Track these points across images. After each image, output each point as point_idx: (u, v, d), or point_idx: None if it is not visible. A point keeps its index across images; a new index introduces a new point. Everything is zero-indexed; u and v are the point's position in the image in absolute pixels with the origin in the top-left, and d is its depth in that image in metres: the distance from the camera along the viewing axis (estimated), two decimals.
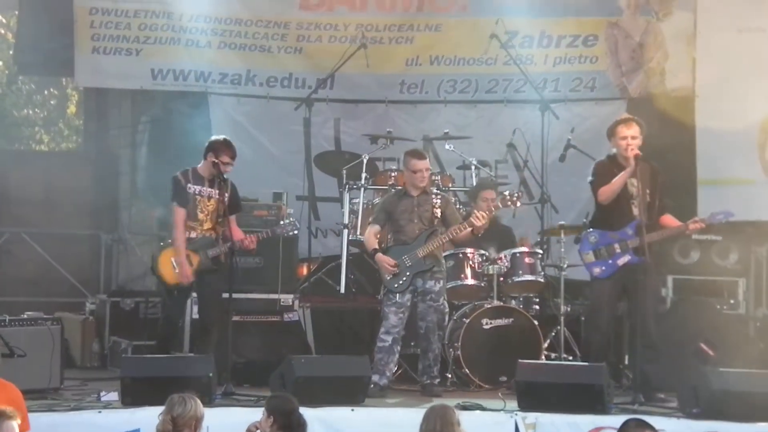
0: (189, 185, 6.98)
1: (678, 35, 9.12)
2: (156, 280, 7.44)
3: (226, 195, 6.99)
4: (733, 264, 8.13)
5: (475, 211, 7.07)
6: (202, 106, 9.24)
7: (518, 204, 7.13)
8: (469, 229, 7.00)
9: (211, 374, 6.21)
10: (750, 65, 8.69)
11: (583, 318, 7.58)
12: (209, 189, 6.99)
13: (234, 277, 6.80)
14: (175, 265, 6.89)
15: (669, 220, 6.88)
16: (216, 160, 6.92)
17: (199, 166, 7.04)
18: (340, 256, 8.20)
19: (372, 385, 6.69)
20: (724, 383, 6.17)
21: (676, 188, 7.64)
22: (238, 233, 6.97)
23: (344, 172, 8.36)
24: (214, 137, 7.12)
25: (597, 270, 6.85)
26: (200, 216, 6.98)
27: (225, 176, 6.95)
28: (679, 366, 7.03)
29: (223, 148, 6.97)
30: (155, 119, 9.57)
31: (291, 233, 7.32)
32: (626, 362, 7.32)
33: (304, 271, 8.57)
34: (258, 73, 9.46)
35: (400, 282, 6.98)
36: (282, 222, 7.34)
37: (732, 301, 7.98)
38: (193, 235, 6.97)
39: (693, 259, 8.15)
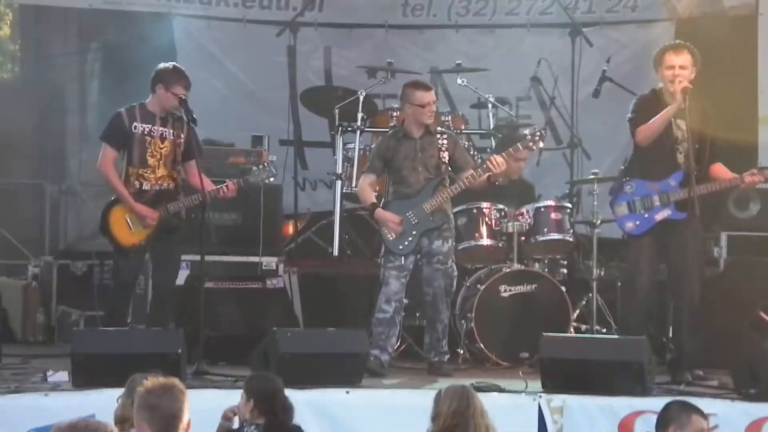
0: (135, 124, 6.90)
1: None
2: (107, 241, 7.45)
3: (183, 135, 6.94)
4: None
5: (493, 156, 7.09)
6: (164, 30, 9.22)
7: (541, 144, 7.12)
8: (485, 176, 7.02)
9: (180, 350, 6.23)
10: None
11: (619, 283, 7.66)
12: (161, 128, 6.91)
13: (206, 237, 6.85)
14: (130, 223, 6.89)
15: (720, 170, 6.90)
16: (168, 93, 6.84)
17: (147, 101, 6.97)
18: (332, 212, 8.24)
19: (372, 361, 6.76)
20: None
21: (734, 128, 7.64)
22: (206, 182, 6.90)
23: (336, 111, 8.37)
24: (161, 65, 7.00)
25: (629, 225, 6.90)
26: (151, 161, 6.89)
27: (192, 116, 6.94)
28: (733, 339, 7.13)
29: (174, 77, 6.88)
30: (108, 46, 9.56)
31: (267, 181, 7.19)
32: (670, 335, 7.42)
33: (290, 229, 8.65)
34: None
35: (406, 243, 7.01)
36: (255, 168, 7.25)
37: None
38: (146, 186, 6.91)
39: (752, 212, 8.20)
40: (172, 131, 6.94)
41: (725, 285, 7.59)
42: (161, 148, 6.94)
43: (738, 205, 8.20)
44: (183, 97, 6.88)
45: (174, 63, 7.11)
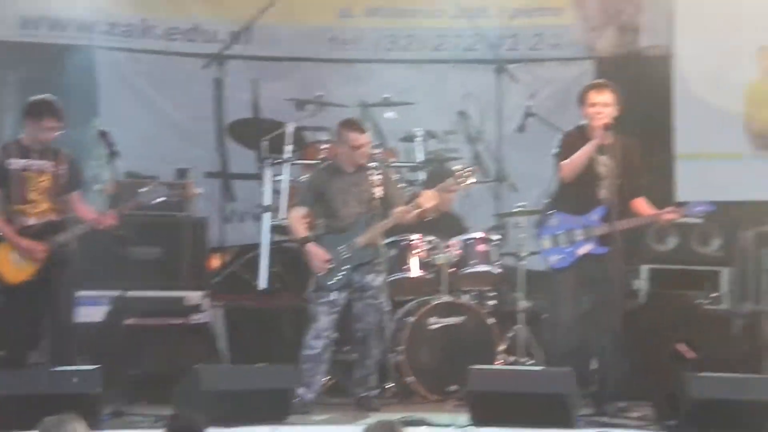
0: (10, 161, 6.74)
1: None
2: None
3: (63, 167, 6.78)
4: (716, 251, 8.32)
5: (425, 190, 7.08)
6: (85, 62, 9.07)
7: (471, 180, 7.15)
8: (416, 212, 7.02)
9: (98, 389, 6.09)
10: (736, 20, 8.89)
11: (545, 315, 7.71)
12: (40, 161, 6.77)
13: (127, 271, 6.72)
14: (15, 260, 6.67)
15: (641, 204, 6.99)
16: (38, 126, 6.68)
17: (21, 136, 6.83)
18: (259, 245, 8.18)
19: (297, 399, 6.68)
20: (705, 390, 6.30)
21: (651, 164, 7.76)
22: (88, 212, 6.79)
23: (265, 143, 8.33)
24: (32, 98, 6.85)
25: (553, 258, 6.95)
26: (32, 196, 6.73)
27: (114, 149, 6.79)
28: (654, 371, 7.20)
29: (44, 109, 6.73)
30: (25, 79, 9.33)
31: (155, 201, 6.94)
32: (593, 367, 7.45)
33: (216, 263, 8.56)
34: (156, 23, 9.40)
35: (337, 277, 6.97)
36: (143, 189, 6.94)
37: (714, 295, 8.17)
38: (30, 221, 6.73)
39: (670, 245, 8.33)
40: (51, 164, 6.79)
41: (646, 317, 7.65)
42: (41, 182, 6.78)
43: (657, 238, 8.32)
44: (101, 130, 6.80)
45: (46, 95, 6.89)
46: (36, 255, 6.69)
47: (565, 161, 6.90)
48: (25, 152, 6.77)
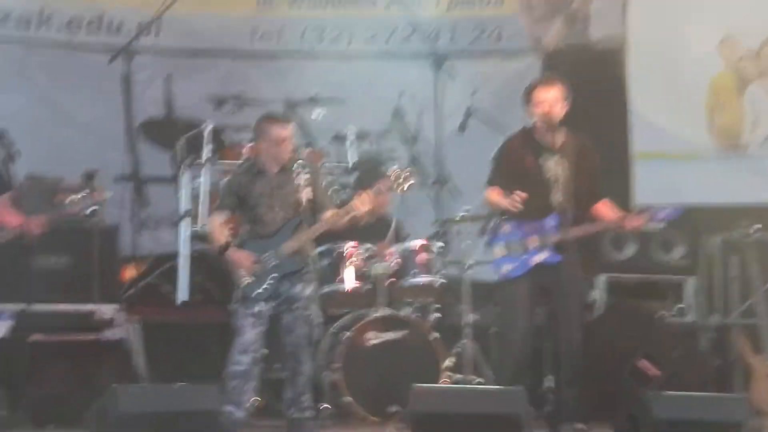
0: None
1: None
2: None
3: None
4: (679, 259, 8.40)
5: (360, 192, 7.05)
6: None
7: (409, 183, 7.11)
8: (349, 216, 7.00)
9: (1, 412, 6.05)
10: (697, 7, 9.00)
11: (493, 330, 7.70)
12: None
13: (31, 283, 6.57)
14: None
15: (604, 208, 7.00)
16: None
17: None
18: (177, 254, 8.10)
19: (225, 418, 6.58)
20: (669, 410, 6.32)
21: (605, 164, 7.81)
22: (12, 217, 6.69)
23: (180, 144, 8.25)
24: None
25: (505, 268, 6.96)
26: None
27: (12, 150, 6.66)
28: (612, 389, 7.23)
29: None
30: None
31: (85, 212, 6.95)
32: (547, 386, 7.47)
33: (130, 274, 8.45)
34: (55, 13, 9.31)
35: (263, 288, 6.91)
36: (72, 197, 6.87)
37: (678, 306, 8.26)
38: None
39: (628, 253, 8.39)
40: None
41: (604, 331, 7.70)
42: None
43: (614, 245, 8.38)
44: None
45: None
46: None
47: (490, 192, 6.95)
48: None
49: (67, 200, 6.86)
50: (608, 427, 6.76)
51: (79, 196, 6.85)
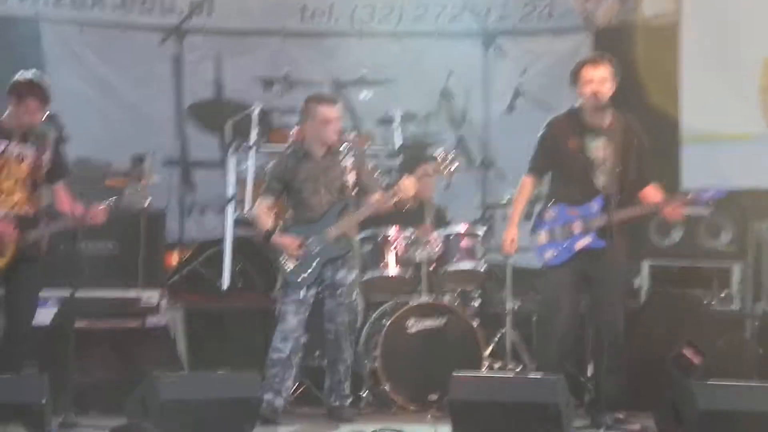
0: None
1: None
2: None
3: (47, 154, 6.68)
4: (726, 245, 8.26)
5: (405, 177, 7.00)
6: (31, 37, 9.03)
7: (453, 167, 7.09)
8: (394, 201, 6.97)
9: (44, 400, 6.06)
10: None
11: (535, 317, 7.68)
12: (20, 146, 6.66)
13: (77, 269, 6.63)
14: None
15: (650, 192, 6.92)
16: (21, 106, 6.54)
17: (3, 116, 6.70)
18: (221, 241, 8.17)
19: (265, 407, 6.67)
20: (712, 400, 6.26)
21: (654, 147, 7.70)
22: (74, 206, 6.67)
23: (228, 127, 8.30)
24: (18, 75, 6.70)
25: (548, 254, 6.90)
26: (6, 184, 6.61)
27: (64, 132, 6.74)
28: (655, 378, 7.18)
29: (28, 89, 6.58)
30: None
31: (140, 206, 7.01)
32: (589, 374, 7.45)
33: (174, 260, 8.52)
34: None
35: (306, 273, 6.94)
36: (127, 191, 7.03)
37: (723, 294, 8.14)
38: (1, 213, 6.61)
39: (674, 239, 8.29)
40: (33, 150, 6.69)
41: (646, 319, 7.63)
42: (19, 169, 6.66)
43: (660, 230, 8.27)
44: (49, 112, 6.65)
45: (33, 71, 6.75)
46: (4, 241, 6.57)
47: (518, 196, 6.92)
48: (5, 134, 6.65)
49: (126, 191, 6.94)
50: (649, 416, 6.71)
51: (135, 189, 6.92)
